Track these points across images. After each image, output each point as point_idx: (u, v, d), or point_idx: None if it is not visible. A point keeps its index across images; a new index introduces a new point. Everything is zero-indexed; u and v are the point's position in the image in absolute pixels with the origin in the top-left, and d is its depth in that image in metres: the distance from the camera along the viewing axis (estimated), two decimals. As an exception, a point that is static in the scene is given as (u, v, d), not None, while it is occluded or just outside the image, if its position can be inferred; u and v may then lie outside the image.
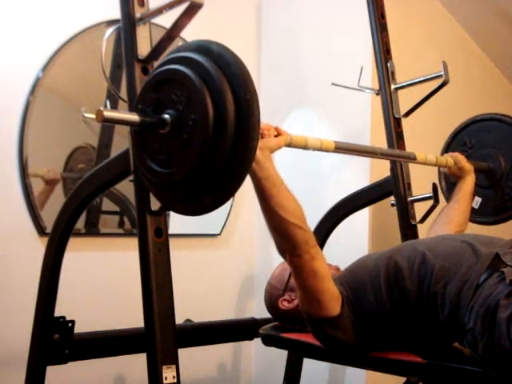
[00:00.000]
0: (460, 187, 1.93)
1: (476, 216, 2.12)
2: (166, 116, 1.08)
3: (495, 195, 2.10)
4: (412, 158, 1.80)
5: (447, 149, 2.19)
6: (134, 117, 1.11)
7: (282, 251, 1.42)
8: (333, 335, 1.43)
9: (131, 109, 1.31)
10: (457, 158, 1.93)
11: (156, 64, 1.20)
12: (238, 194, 2.70)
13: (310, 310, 1.44)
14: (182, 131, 1.06)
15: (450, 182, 2.08)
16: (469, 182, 1.92)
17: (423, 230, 1.98)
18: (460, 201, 1.90)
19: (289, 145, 1.45)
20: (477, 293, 1.31)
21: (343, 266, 1.67)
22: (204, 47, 1.09)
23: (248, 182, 2.50)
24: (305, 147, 1.50)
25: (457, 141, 2.19)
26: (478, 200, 2.06)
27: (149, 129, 1.11)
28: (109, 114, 1.09)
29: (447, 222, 1.86)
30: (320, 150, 1.53)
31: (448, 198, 2.04)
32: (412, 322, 1.42)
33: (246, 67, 1.06)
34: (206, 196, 1.08)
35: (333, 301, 1.41)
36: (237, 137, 1.03)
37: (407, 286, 1.41)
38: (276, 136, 1.42)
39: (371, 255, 1.61)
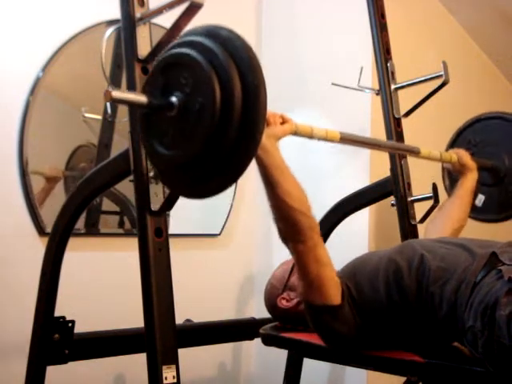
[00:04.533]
0: (461, 183, 1.95)
1: (480, 214, 2.13)
2: (174, 99, 1.07)
3: (499, 193, 2.12)
4: (416, 152, 1.79)
5: (452, 146, 2.21)
6: (142, 98, 1.10)
7: (286, 239, 1.42)
8: (332, 326, 1.43)
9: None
10: (460, 154, 1.94)
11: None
12: (238, 194, 2.70)
13: (311, 298, 1.44)
14: (188, 114, 1.06)
15: (453, 179, 2.09)
16: (470, 179, 1.94)
17: (423, 230, 1.98)
18: (461, 197, 1.92)
19: (294, 133, 1.44)
20: (475, 291, 1.31)
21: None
22: (213, 32, 1.08)
23: (248, 182, 2.50)
24: (310, 136, 1.48)
25: (461, 139, 2.21)
26: (481, 198, 2.07)
27: (156, 111, 1.11)
28: (117, 94, 1.08)
29: (447, 216, 1.89)
30: (325, 139, 1.51)
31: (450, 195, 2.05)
32: (410, 321, 1.43)
33: (254, 52, 1.05)
34: (211, 180, 1.08)
35: (334, 289, 1.42)
36: (243, 122, 1.02)
37: (406, 284, 1.42)
38: (282, 123, 1.42)
39: (375, 253, 1.62)
